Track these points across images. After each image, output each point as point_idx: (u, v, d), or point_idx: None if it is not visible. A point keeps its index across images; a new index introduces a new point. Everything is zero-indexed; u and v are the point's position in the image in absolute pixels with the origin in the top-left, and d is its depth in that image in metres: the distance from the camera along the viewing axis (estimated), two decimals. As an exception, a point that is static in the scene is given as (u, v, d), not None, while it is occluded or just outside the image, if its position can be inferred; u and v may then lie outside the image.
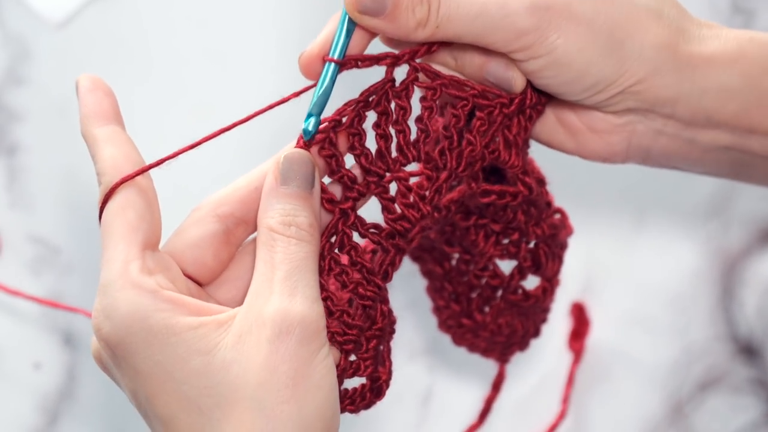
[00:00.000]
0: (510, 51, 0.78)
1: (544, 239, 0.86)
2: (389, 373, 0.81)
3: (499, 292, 0.88)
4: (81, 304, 1.16)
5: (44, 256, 1.17)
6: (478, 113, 0.80)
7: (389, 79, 0.79)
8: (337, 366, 0.77)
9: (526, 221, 0.85)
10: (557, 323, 1.16)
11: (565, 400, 1.13)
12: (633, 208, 1.19)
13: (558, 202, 0.88)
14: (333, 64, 0.78)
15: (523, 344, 0.93)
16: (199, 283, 0.80)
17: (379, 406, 1.14)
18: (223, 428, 0.72)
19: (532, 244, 0.87)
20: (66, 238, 1.17)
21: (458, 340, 0.92)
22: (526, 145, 0.83)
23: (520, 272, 0.87)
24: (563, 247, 0.88)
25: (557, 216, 0.88)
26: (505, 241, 0.86)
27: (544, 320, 0.92)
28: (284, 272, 0.74)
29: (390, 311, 0.80)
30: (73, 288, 1.17)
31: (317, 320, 0.74)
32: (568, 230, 0.88)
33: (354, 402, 0.79)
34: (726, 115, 0.82)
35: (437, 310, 0.91)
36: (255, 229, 0.80)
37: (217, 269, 0.80)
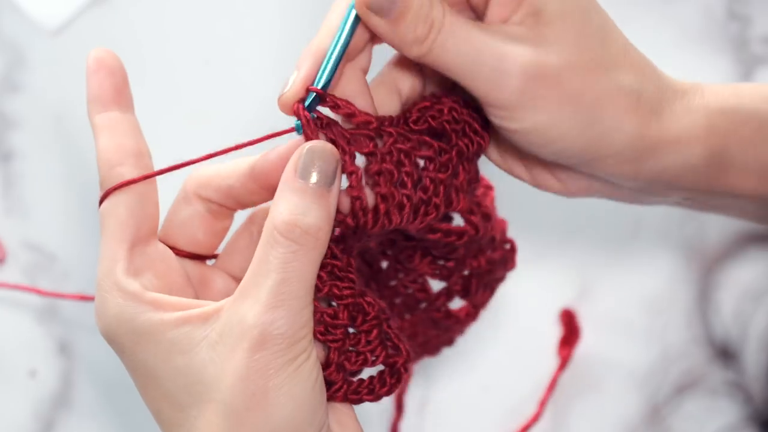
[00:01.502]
0: (488, 103, 0.76)
1: (479, 272, 0.85)
2: (407, 354, 0.79)
3: (423, 305, 0.87)
4: (77, 311, 1.16)
5: (40, 263, 1.17)
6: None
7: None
8: (329, 363, 0.77)
9: (465, 254, 0.84)
10: (550, 330, 1.16)
11: (542, 403, 1.13)
12: (629, 214, 1.19)
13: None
14: (336, 55, 0.76)
15: (434, 352, 0.92)
16: (205, 257, 0.82)
17: (375, 414, 1.14)
18: (197, 426, 0.73)
19: (466, 272, 0.85)
20: (62, 245, 1.17)
21: None
22: (472, 185, 0.82)
23: (448, 294, 0.86)
24: (499, 280, 0.87)
25: (507, 246, 0.86)
26: (440, 262, 0.85)
27: (461, 333, 0.91)
28: (275, 281, 0.73)
29: (375, 300, 0.78)
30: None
31: (298, 332, 0.73)
32: (510, 265, 0.87)
33: (373, 390, 0.78)
34: (686, 183, 0.81)
35: None
36: (236, 210, 0.82)
37: (211, 243, 0.82)
